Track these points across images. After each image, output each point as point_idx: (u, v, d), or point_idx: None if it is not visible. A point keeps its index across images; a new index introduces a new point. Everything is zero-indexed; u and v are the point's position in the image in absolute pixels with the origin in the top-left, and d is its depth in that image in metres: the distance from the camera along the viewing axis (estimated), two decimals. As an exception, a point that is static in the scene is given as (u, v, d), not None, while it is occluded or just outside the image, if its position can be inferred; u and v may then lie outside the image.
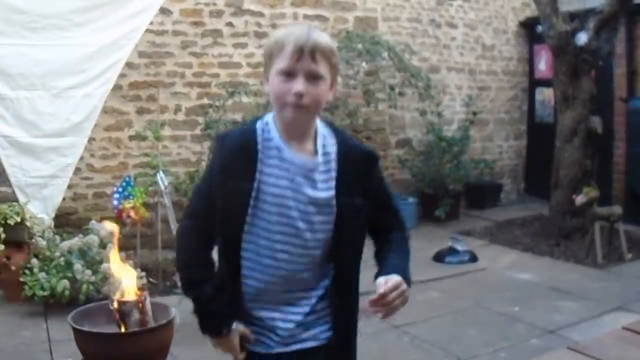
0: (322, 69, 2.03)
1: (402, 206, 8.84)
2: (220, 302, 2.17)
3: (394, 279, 2.06)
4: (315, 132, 2.15)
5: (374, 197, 2.20)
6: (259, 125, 2.15)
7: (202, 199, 2.23)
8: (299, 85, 2.00)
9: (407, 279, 2.12)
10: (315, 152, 2.12)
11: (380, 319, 2.14)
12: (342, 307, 2.22)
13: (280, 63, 2.02)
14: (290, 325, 2.17)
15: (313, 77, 2.01)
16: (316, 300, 2.19)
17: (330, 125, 2.23)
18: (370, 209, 2.19)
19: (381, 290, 2.02)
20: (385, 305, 2.05)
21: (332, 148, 2.15)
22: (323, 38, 2.05)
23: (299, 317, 2.17)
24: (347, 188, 2.12)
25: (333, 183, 2.12)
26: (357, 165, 2.17)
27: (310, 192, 2.10)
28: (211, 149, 2.24)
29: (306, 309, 2.18)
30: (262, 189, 2.08)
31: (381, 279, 2.07)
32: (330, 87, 2.10)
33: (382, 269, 2.16)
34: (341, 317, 2.23)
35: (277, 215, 2.09)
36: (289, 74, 2.01)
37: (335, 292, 2.19)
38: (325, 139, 2.16)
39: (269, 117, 2.16)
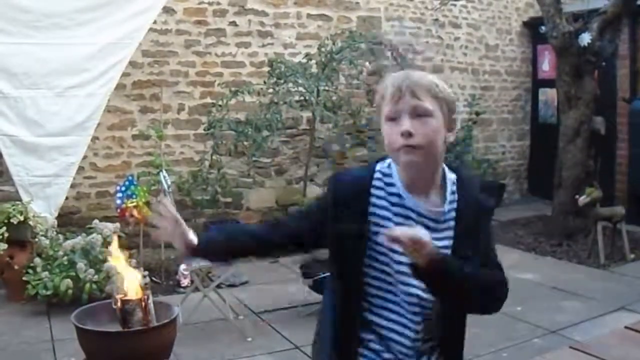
0: (428, 104, 1.88)
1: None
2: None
3: (421, 231, 1.83)
4: (444, 180, 2.01)
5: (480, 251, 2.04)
6: (379, 168, 2.03)
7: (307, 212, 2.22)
8: (404, 124, 1.87)
9: (446, 264, 1.88)
10: (443, 202, 1.98)
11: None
12: None
13: (385, 109, 1.92)
14: None
15: (418, 115, 1.87)
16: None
17: (457, 170, 2.08)
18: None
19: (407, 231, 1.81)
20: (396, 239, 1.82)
21: (454, 197, 2.01)
22: (423, 75, 1.93)
23: None
24: (463, 243, 1.98)
25: (451, 233, 1.98)
26: (475, 218, 2.03)
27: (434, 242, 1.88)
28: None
29: None
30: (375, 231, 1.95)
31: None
32: (446, 125, 1.93)
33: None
34: None
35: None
36: (394, 119, 1.90)
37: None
38: (453, 186, 2.02)
39: (392, 164, 2.02)
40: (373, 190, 1.99)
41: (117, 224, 6.02)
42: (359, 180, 2.02)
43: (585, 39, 7.67)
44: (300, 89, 7.51)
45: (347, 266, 2.00)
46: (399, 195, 1.96)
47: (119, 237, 5.84)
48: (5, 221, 5.72)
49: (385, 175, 2.00)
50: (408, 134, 1.85)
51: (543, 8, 8.08)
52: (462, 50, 10.14)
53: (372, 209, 1.96)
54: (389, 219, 1.95)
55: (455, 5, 9.77)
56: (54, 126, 6.16)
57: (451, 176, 2.03)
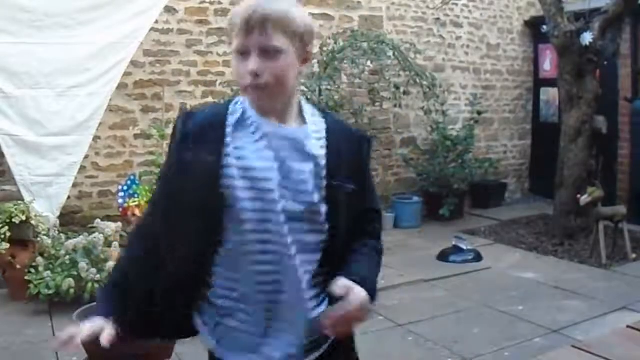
0: (278, 41, 1.79)
1: (407, 205, 8.98)
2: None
3: (360, 295, 1.79)
4: (301, 111, 1.95)
5: (360, 182, 1.97)
6: (231, 106, 1.94)
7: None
8: (250, 64, 1.78)
9: (372, 297, 1.86)
10: (302, 125, 1.92)
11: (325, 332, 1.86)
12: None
13: (235, 42, 1.82)
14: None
15: (267, 52, 1.78)
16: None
17: (318, 107, 2.03)
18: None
19: (349, 307, 1.77)
20: (343, 324, 1.81)
21: (321, 125, 1.95)
22: (276, 5, 1.80)
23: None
24: (337, 170, 1.90)
25: (323, 161, 1.90)
26: (348, 145, 1.96)
27: (297, 165, 1.87)
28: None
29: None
30: (233, 164, 1.85)
31: (347, 284, 1.81)
32: (299, 58, 1.86)
33: (349, 271, 1.89)
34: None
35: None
36: (243, 53, 1.81)
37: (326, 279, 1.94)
38: (313, 117, 1.96)
39: (244, 100, 1.95)
40: (230, 121, 1.90)
41: (119, 224, 6.02)
42: (214, 114, 1.94)
43: (587, 38, 7.67)
44: (302, 88, 7.52)
45: (198, 198, 1.86)
46: (257, 124, 1.87)
47: (121, 236, 5.90)
48: (8, 221, 5.72)
49: (240, 111, 1.91)
50: (255, 74, 1.79)
51: (544, 7, 8.08)
52: (463, 50, 10.14)
53: (228, 139, 1.86)
54: (242, 148, 1.86)
55: (456, 4, 9.78)
56: (55, 126, 6.17)
57: (308, 108, 1.97)
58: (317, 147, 1.90)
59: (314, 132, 1.91)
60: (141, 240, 2.02)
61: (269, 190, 1.84)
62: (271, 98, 1.85)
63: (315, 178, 1.88)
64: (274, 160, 1.85)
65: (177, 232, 1.89)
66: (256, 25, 1.77)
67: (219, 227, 1.86)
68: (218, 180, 1.82)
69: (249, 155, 1.85)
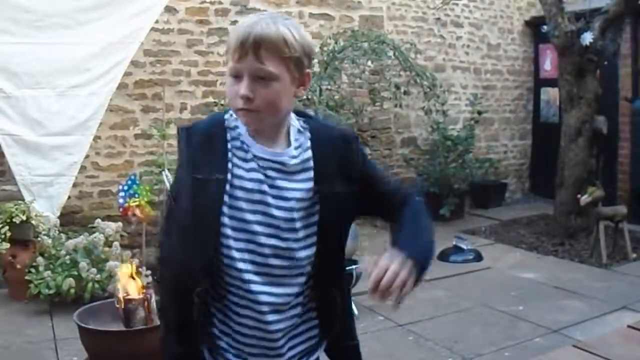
0: (272, 66, 1.76)
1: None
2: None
3: (385, 262, 1.75)
4: (289, 128, 1.92)
5: (362, 179, 1.95)
6: (227, 117, 1.92)
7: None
8: (242, 88, 1.76)
9: (419, 256, 1.82)
10: (288, 145, 1.90)
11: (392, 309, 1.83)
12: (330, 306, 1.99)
13: (229, 64, 1.80)
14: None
15: (261, 77, 1.76)
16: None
17: (302, 114, 2.00)
18: (363, 194, 1.95)
19: (372, 278, 1.74)
20: (382, 293, 1.74)
21: (306, 140, 1.92)
22: (272, 29, 1.75)
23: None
24: (325, 176, 1.89)
25: (311, 174, 1.89)
26: (332, 149, 1.93)
27: (286, 184, 1.87)
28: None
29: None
30: (235, 183, 1.86)
31: (371, 261, 1.79)
32: (294, 82, 1.83)
33: (396, 241, 1.89)
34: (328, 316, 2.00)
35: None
36: (236, 76, 1.79)
37: (316, 285, 1.96)
38: (300, 133, 1.93)
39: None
40: (227, 137, 1.89)
41: (120, 223, 6.04)
42: (211, 128, 1.92)
43: (587, 38, 7.67)
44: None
45: (204, 216, 1.87)
46: (247, 145, 1.87)
47: (122, 236, 5.92)
48: (8, 220, 5.72)
49: (233, 127, 1.90)
50: (246, 99, 1.77)
51: (545, 7, 8.08)
52: (464, 50, 10.14)
53: (230, 155, 1.87)
54: (239, 167, 1.86)
55: (457, 4, 9.78)
56: (56, 125, 6.17)
57: (295, 123, 1.93)
58: (303, 163, 1.90)
59: (296, 148, 1.90)
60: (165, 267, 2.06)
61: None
62: (262, 122, 1.84)
63: (300, 207, 1.88)
64: (261, 183, 1.86)
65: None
66: (250, 50, 1.74)
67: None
68: (223, 201, 1.84)
69: (243, 174, 1.86)
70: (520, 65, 10.80)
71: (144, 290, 3.76)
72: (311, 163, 1.90)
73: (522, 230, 8.58)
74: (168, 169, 6.34)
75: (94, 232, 5.82)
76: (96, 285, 5.46)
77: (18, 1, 5.93)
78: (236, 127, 1.89)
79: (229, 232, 1.85)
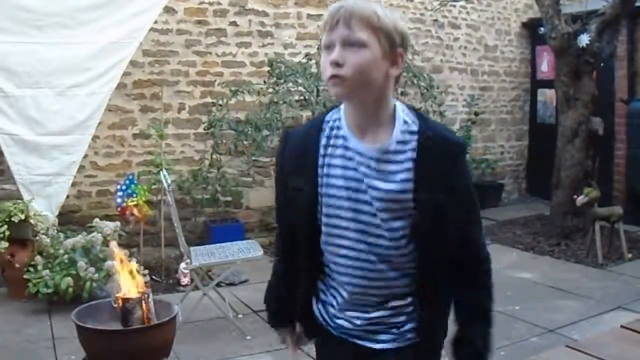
0: (361, 34, 1.78)
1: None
2: (279, 305, 2.25)
3: None
4: (394, 117, 1.90)
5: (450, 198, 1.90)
6: (328, 117, 1.99)
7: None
8: (333, 54, 1.80)
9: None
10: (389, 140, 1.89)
11: None
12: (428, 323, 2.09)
13: (322, 38, 1.86)
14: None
15: (350, 45, 1.78)
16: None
17: (413, 109, 1.96)
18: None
19: None
20: None
21: (413, 135, 1.89)
22: (364, 4, 1.81)
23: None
24: (427, 182, 1.87)
25: (410, 175, 1.87)
26: (441, 156, 1.90)
27: (378, 184, 1.87)
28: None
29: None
30: (328, 183, 1.92)
31: None
32: (388, 57, 1.83)
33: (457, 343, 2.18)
34: (425, 329, 2.09)
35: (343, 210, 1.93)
36: (328, 47, 1.83)
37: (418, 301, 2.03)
38: (407, 125, 1.90)
39: (342, 107, 1.98)
40: (322, 139, 1.95)
41: (118, 223, 6.05)
42: (309, 131, 2.01)
43: (584, 40, 7.69)
44: (300, 88, 7.55)
45: (300, 219, 2.01)
46: (344, 138, 1.91)
47: (120, 235, 5.93)
48: (7, 220, 5.73)
49: (334, 121, 1.97)
50: (335, 64, 1.80)
51: (542, 9, 8.10)
52: (461, 51, 10.16)
53: (322, 159, 1.93)
54: (336, 166, 1.92)
55: (454, 6, 9.80)
56: (55, 125, 6.18)
57: (403, 115, 1.92)
58: (401, 163, 1.89)
59: (400, 145, 1.89)
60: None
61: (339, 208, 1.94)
62: (352, 93, 1.85)
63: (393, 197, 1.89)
64: (354, 179, 1.90)
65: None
66: (341, 19, 1.79)
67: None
68: (314, 209, 1.96)
69: (340, 173, 1.92)
70: (517, 66, 10.83)
71: (142, 290, 3.77)
72: (412, 164, 1.88)
73: (518, 230, 8.60)
74: (166, 169, 6.37)
75: (92, 232, 5.84)
76: (94, 285, 5.48)
77: (18, 1, 5.95)
78: (336, 121, 1.96)
79: (322, 228, 1.97)
